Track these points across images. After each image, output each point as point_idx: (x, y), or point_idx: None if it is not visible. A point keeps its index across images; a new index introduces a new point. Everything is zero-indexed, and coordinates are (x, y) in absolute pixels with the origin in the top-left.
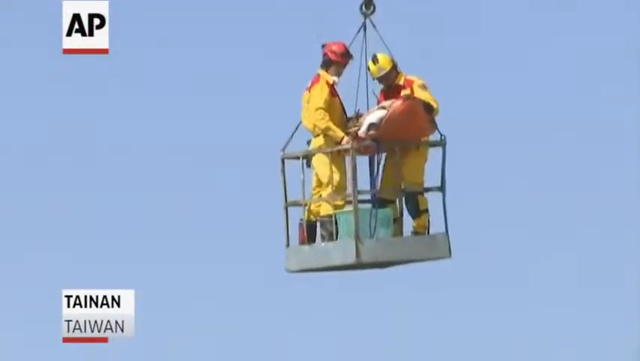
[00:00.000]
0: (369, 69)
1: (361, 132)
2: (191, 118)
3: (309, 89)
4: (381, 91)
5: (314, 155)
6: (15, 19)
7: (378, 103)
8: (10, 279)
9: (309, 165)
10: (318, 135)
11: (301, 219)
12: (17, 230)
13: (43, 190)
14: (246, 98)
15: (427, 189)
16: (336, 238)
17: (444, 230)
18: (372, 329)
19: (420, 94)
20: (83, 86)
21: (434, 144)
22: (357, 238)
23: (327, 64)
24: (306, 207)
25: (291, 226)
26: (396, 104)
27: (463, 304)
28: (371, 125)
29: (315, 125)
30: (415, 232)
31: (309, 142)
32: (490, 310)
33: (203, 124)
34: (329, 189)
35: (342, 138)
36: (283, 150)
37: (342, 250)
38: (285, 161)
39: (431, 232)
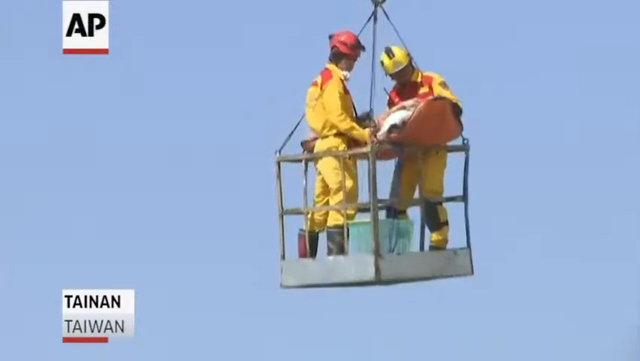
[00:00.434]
0: (382, 64)
1: (381, 134)
2: (192, 118)
3: (320, 86)
4: (394, 89)
5: (319, 158)
6: (15, 19)
7: (390, 102)
8: (10, 279)
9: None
10: (327, 137)
11: (302, 230)
12: (17, 230)
13: (43, 190)
14: (246, 98)
15: (450, 199)
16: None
17: (465, 244)
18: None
19: (442, 92)
20: (83, 86)
21: (456, 149)
22: (377, 253)
23: (337, 57)
24: (308, 217)
25: (287, 236)
26: (423, 104)
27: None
28: (393, 127)
29: (325, 127)
30: (435, 247)
31: (302, 143)
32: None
33: (204, 124)
34: (339, 197)
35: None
36: (279, 151)
37: (357, 265)
38: (281, 164)
39: (450, 246)
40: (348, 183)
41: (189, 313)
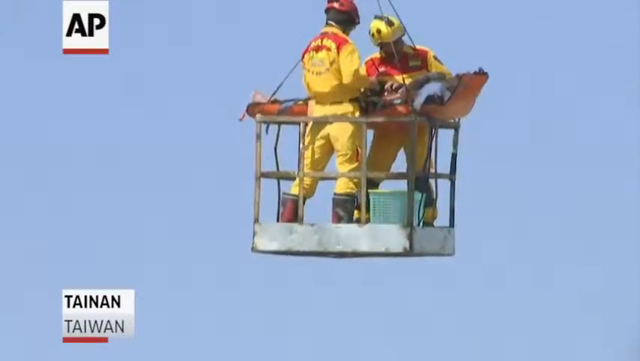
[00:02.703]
0: (378, 32)
1: (417, 104)
2: (192, 118)
3: (337, 50)
4: (380, 58)
5: (325, 123)
6: (15, 19)
7: (378, 71)
8: (10, 279)
9: (267, 130)
10: (339, 103)
11: (288, 194)
12: (17, 230)
13: (43, 190)
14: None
15: (439, 175)
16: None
17: (448, 224)
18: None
19: (437, 67)
20: (83, 86)
21: (448, 126)
22: (412, 226)
23: (346, 23)
24: (299, 183)
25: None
26: (469, 78)
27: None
28: (431, 98)
29: (336, 92)
30: (428, 223)
31: (252, 106)
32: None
33: (204, 124)
34: (352, 164)
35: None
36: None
37: (381, 236)
38: (263, 127)
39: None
40: (362, 150)
41: (189, 312)
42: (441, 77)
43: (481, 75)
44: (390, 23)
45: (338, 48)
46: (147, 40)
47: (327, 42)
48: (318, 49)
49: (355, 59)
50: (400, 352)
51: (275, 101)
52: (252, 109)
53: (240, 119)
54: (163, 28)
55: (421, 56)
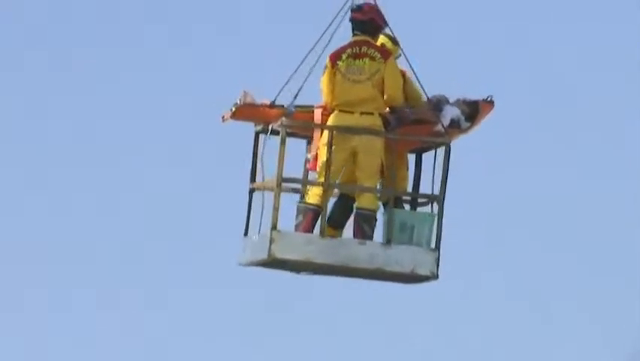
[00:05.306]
0: (389, 38)
1: (445, 126)
2: (192, 118)
3: (384, 60)
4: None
5: (346, 133)
6: (15, 18)
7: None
8: (10, 279)
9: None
10: (369, 114)
11: (307, 203)
12: (16, 230)
13: (42, 190)
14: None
15: (427, 196)
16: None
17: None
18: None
19: (413, 88)
20: (83, 86)
21: (438, 145)
22: (439, 251)
23: (375, 31)
24: (315, 192)
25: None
26: (486, 107)
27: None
28: (454, 122)
29: (368, 102)
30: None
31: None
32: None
33: (205, 124)
34: (375, 179)
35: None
36: (287, 117)
37: (406, 257)
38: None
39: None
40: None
41: (190, 313)
42: (446, 99)
43: (490, 103)
44: (395, 42)
45: (385, 59)
46: (147, 40)
47: (370, 51)
48: (357, 56)
49: (400, 75)
50: None
51: (273, 105)
52: (243, 110)
53: (223, 120)
54: (163, 28)
55: (385, 56)
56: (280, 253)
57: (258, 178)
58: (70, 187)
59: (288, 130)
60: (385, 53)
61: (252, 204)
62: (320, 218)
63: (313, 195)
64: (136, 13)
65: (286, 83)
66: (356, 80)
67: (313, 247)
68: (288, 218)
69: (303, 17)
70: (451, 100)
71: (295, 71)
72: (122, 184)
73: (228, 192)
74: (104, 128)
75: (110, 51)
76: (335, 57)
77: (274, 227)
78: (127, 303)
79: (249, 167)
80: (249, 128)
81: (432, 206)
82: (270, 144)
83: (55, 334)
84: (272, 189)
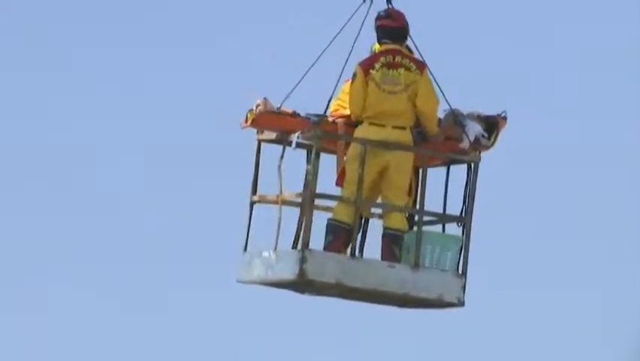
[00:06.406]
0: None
1: (471, 142)
2: (192, 118)
3: (421, 72)
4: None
5: (379, 148)
6: (15, 18)
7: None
8: (9, 279)
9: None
10: (402, 128)
11: (339, 221)
12: (16, 230)
13: (43, 189)
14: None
15: (452, 218)
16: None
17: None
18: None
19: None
20: (83, 86)
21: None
22: (466, 275)
23: (404, 40)
24: (344, 210)
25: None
26: (500, 120)
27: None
28: (477, 139)
29: (401, 115)
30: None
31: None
32: None
33: (204, 124)
34: (406, 198)
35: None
36: (317, 124)
37: (436, 283)
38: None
39: None
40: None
41: (189, 312)
42: (462, 114)
43: (504, 119)
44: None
45: (421, 71)
46: (148, 40)
47: (405, 61)
48: (391, 66)
49: (434, 90)
50: None
51: (294, 115)
52: (265, 118)
53: (243, 127)
54: (163, 27)
55: (420, 67)
56: (312, 274)
57: (274, 191)
58: (65, 191)
59: (306, 142)
60: (421, 65)
61: (252, 217)
62: (351, 238)
63: (340, 212)
64: (136, 13)
65: (292, 90)
66: (392, 92)
67: (344, 268)
68: (289, 232)
69: (307, 19)
70: (465, 113)
71: (302, 78)
72: (122, 185)
73: (229, 203)
74: (104, 129)
75: (110, 51)
76: (367, 65)
77: (306, 245)
78: (126, 306)
79: (249, 175)
80: (250, 135)
81: (444, 227)
82: (272, 156)
83: (54, 334)
84: (282, 204)
